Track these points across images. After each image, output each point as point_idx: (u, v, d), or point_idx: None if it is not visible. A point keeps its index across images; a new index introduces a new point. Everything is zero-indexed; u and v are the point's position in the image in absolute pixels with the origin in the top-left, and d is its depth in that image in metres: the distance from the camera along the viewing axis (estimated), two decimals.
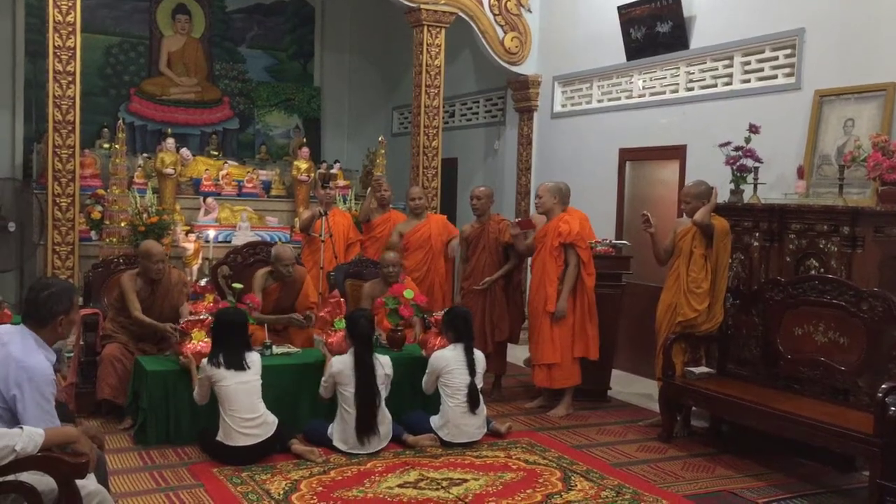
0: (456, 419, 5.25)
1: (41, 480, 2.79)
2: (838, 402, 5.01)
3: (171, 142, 9.28)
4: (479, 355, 5.50)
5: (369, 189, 7.85)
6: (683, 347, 5.66)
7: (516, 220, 6.47)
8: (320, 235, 6.70)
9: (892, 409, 4.19)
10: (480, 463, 4.97)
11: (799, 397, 5.12)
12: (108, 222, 8.04)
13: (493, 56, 8.85)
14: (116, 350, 5.64)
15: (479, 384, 5.38)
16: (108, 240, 7.91)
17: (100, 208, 8.39)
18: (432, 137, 8.59)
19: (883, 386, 4.31)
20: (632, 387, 6.93)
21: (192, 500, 4.27)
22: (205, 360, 4.93)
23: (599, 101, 8.27)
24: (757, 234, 5.72)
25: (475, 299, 6.61)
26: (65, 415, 3.96)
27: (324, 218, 6.78)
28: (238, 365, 4.85)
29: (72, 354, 6.03)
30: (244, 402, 4.80)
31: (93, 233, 8.34)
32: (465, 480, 4.65)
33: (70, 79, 7.23)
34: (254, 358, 5.00)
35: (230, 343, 4.93)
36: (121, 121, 8.76)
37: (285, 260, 6.16)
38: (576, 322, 6.11)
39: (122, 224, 7.97)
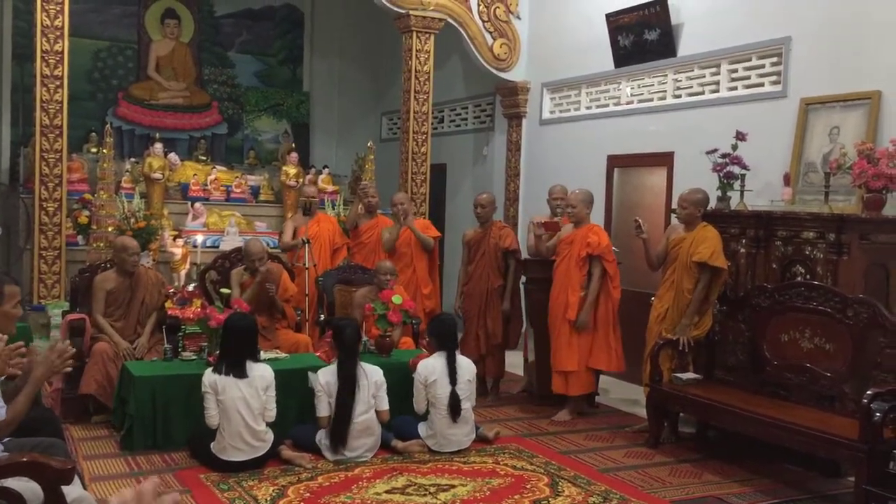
0: (443, 430, 5.24)
1: (27, 486, 2.77)
2: (824, 407, 5.05)
3: (159, 146, 9.24)
4: (466, 363, 5.48)
5: (356, 196, 7.86)
6: (671, 353, 5.68)
7: (541, 221, 6.49)
8: (304, 264, 6.70)
9: (878, 415, 4.22)
10: (468, 469, 4.97)
11: (785, 403, 5.15)
12: (95, 227, 8.00)
13: (481, 62, 8.87)
14: (108, 348, 5.64)
15: (467, 393, 5.35)
16: (95, 245, 7.88)
17: (87, 213, 8.34)
18: (421, 143, 8.60)
19: (868, 392, 4.34)
20: (619, 393, 6.95)
21: None
22: (207, 372, 4.89)
23: (588, 108, 8.30)
24: (743, 241, 5.75)
25: (472, 304, 6.78)
26: (51, 420, 3.95)
27: (307, 246, 6.77)
28: (239, 372, 4.82)
29: None
30: (243, 420, 4.75)
31: (80, 238, 8.29)
32: (453, 486, 4.65)
33: (57, 83, 7.21)
34: (262, 372, 4.91)
35: (236, 349, 4.88)
36: (108, 125, 8.74)
37: (253, 255, 6.21)
38: (598, 334, 6.16)
39: (110, 229, 7.94)
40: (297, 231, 7.22)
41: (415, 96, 8.50)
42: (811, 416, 4.83)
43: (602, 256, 6.11)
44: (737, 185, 5.93)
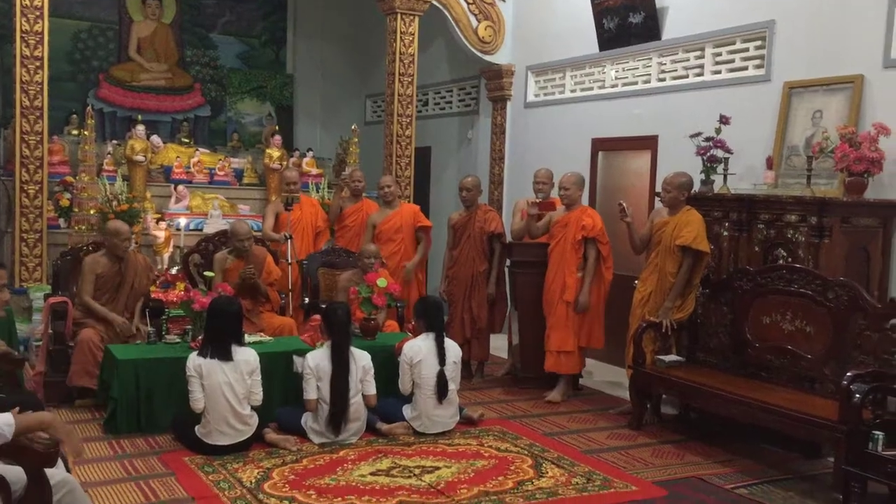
0: (428, 411, 5.26)
1: (9, 469, 2.76)
2: (804, 389, 5.10)
3: (141, 129, 9.16)
4: (452, 345, 5.51)
5: (336, 189, 7.83)
6: (654, 336, 5.71)
7: (536, 201, 6.49)
8: (287, 260, 6.68)
9: (857, 396, 4.27)
10: (453, 451, 5.00)
11: (766, 385, 5.20)
12: (76, 210, 7.93)
13: (466, 45, 8.84)
14: (94, 335, 5.61)
15: (452, 374, 5.38)
16: (76, 227, 7.81)
17: (68, 196, 8.27)
18: (406, 126, 8.57)
19: (848, 374, 4.39)
20: (602, 375, 6.99)
21: (163, 489, 4.25)
22: (192, 355, 4.88)
23: (572, 91, 8.30)
24: (726, 224, 5.79)
25: (457, 287, 6.79)
26: (34, 404, 3.93)
27: (289, 241, 6.76)
28: (224, 355, 4.80)
29: (40, 343, 5.98)
30: (228, 404, 4.75)
31: (61, 220, 8.22)
32: (438, 468, 4.67)
33: (38, 64, 7.12)
34: (247, 356, 4.90)
35: (221, 333, 4.86)
36: (90, 107, 8.65)
37: (241, 235, 6.21)
38: (590, 314, 6.27)
39: (92, 212, 7.87)
40: (279, 217, 7.19)
41: (399, 79, 8.46)
42: (792, 397, 4.88)
43: (597, 238, 6.18)
44: (720, 168, 5.96)
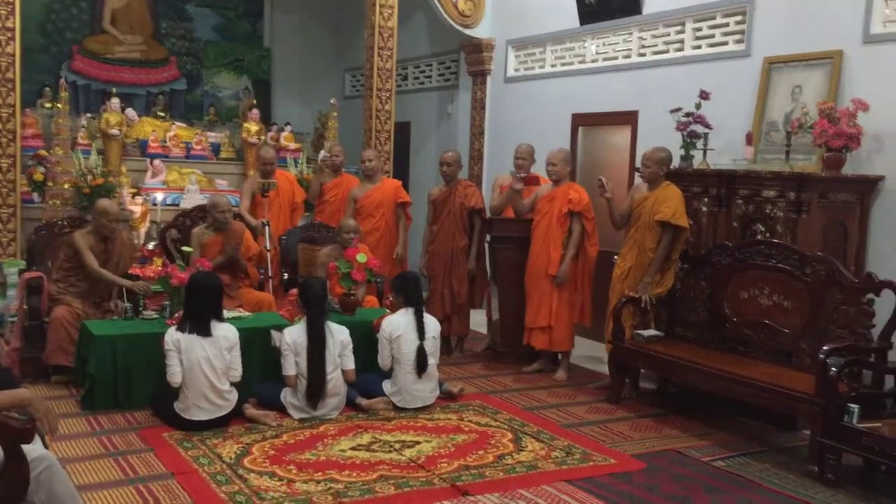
0: (408, 386, 5.27)
1: None
2: (781, 363, 5.16)
3: (115, 102, 9.03)
4: (431, 320, 5.51)
5: (316, 169, 7.77)
6: (633, 311, 5.74)
7: (521, 175, 6.47)
8: (266, 247, 6.62)
9: (833, 369, 4.32)
10: (433, 425, 5.01)
11: (744, 359, 5.25)
12: (51, 184, 7.83)
13: (446, 19, 8.76)
14: (67, 313, 5.55)
15: (432, 349, 5.38)
16: (51, 202, 7.71)
17: (42, 170, 8.15)
18: (385, 101, 8.50)
19: (824, 347, 4.44)
20: (582, 350, 7.02)
21: (142, 465, 4.22)
22: (170, 330, 4.83)
23: (553, 66, 8.26)
24: (706, 200, 5.81)
25: (437, 263, 6.78)
26: (10, 380, 3.88)
27: (266, 227, 6.70)
28: (203, 330, 4.77)
29: (15, 319, 5.91)
30: (206, 380, 4.72)
31: (35, 195, 8.11)
32: (418, 442, 4.68)
33: (9, 35, 6.98)
34: (225, 332, 4.87)
35: (201, 308, 4.83)
36: (63, 79, 8.51)
37: (221, 206, 6.18)
38: (577, 289, 6.27)
39: (66, 186, 7.77)
40: (255, 197, 7.11)
41: (378, 52, 8.37)
42: (769, 371, 4.93)
43: (583, 213, 6.17)
44: (700, 144, 5.97)
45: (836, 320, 4.89)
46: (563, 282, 6.17)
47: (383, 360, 5.34)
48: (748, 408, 5.18)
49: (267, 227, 6.67)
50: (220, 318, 4.95)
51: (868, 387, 4.72)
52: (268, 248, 6.63)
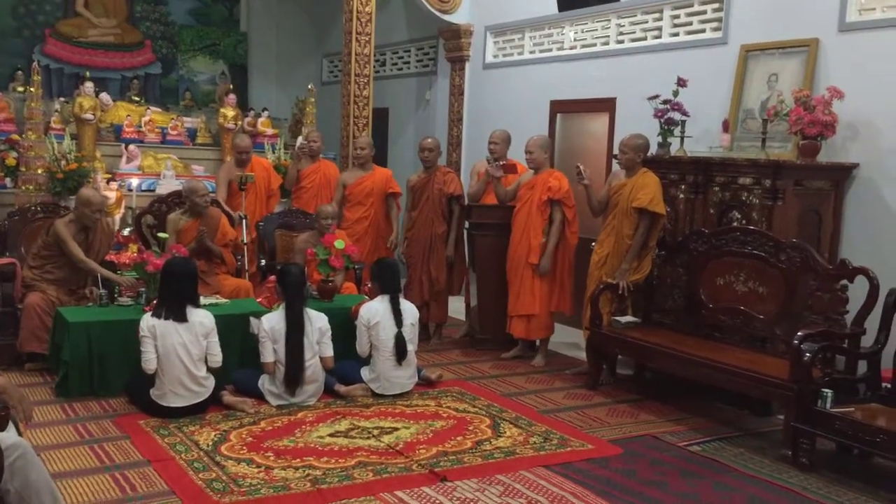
0: (386, 372, 5.26)
1: None
2: (756, 349, 5.21)
3: (89, 86, 8.90)
4: (409, 306, 5.50)
5: (294, 156, 7.73)
6: (610, 297, 5.77)
7: (500, 162, 6.46)
8: (242, 240, 6.58)
9: (807, 355, 4.37)
10: (411, 412, 5.01)
11: (719, 345, 5.30)
12: (23, 169, 7.72)
13: (424, 4, 8.71)
14: (40, 300, 5.49)
15: (410, 336, 5.38)
16: (24, 187, 7.61)
17: (15, 154, 8.03)
18: (363, 86, 8.45)
19: (798, 333, 4.48)
20: (560, 336, 7.04)
21: (117, 452, 4.19)
22: (146, 316, 4.79)
23: (531, 53, 8.25)
24: (683, 187, 5.84)
25: (416, 249, 6.77)
26: None
27: (244, 221, 6.66)
28: (179, 316, 4.73)
29: None
30: (182, 365, 4.68)
31: (8, 180, 8.00)
32: (396, 429, 4.68)
33: None
34: (201, 318, 4.83)
35: (176, 294, 4.79)
36: (35, 63, 8.38)
37: (201, 191, 6.16)
38: (557, 277, 6.27)
39: (39, 171, 7.67)
40: (231, 185, 7.05)
41: (356, 38, 8.31)
42: (744, 357, 4.98)
43: (562, 201, 6.16)
44: (677, 131, 5.99)
45: (811, 306, 4.94)
46: (547, 271, 6.18)
47: (361, 347, 5.33)
48: (724, 393, 5.23)
49: (244, 221, 6.63)
50: (196, 304, 4.92)
51: (842, 372, 4.78)
52: (244, 241, 6.59)
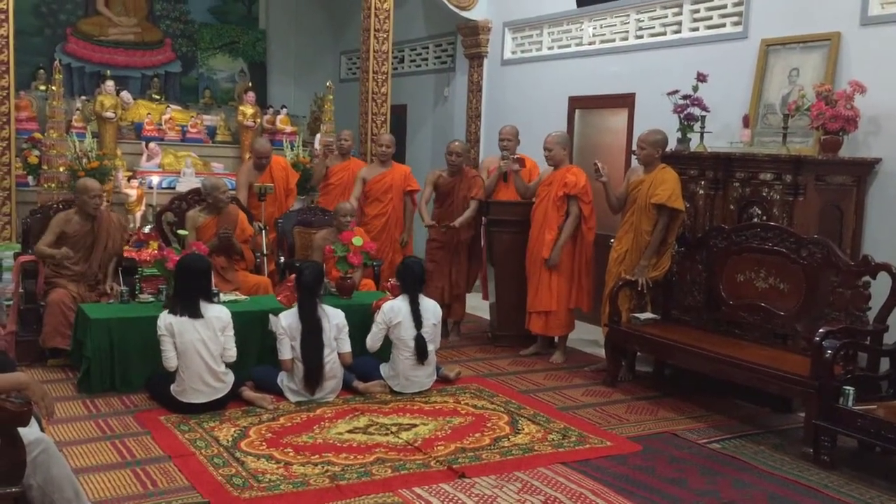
0: (406, 371, 5.27)
1: None
2: (777, 346, 5.17)
3: (110, 84, 8.98)
4: (431, 305, 5.48)
5: (320, 153, 7.74)
6: (629, 294, 5.74)
7: (517, 156, 6.44)
8: (260, 252, 6.61)
9: (829, 352, 4.33)
10: (429, 408, 5.02)
11: (739, 342, 5.26)
12: (45, 167, 7.79)
13: (442, 1, 8.71)
14: (64, 296, 5.55)
15: (431, 336, 5.35)
16: (46, 185, 7.68)
17: (37, 153, 8.12)
18: (381, 83, 8.47)
19: (820, 330, 4.44)
20: (579, 333, 7.02)
21: (139, 448, 4.23)
22: (162, 314, 4.82)
23: (549, 49, 8.22)
24: (702, 183, 5.80)
25: (442, 253, 6.69)
26: (6, 363, 3.88)
27: (263, 233, 6.67)
28: (194, 312, 4.76)
29: (11, 302, 5.90)
30: (202, 362, 4.71)
31: (30, 178, 8.08)
32: (415, 425, 4.69)
33: (3, 17, 6.93)
34: (217, 312, 4.86)
35: (190, 290, 4.82)
36: (57, 62, 8.45)
37: (223, 187, 6.20)
38: (574, 273, 6.24)
39: (61, 169, 7.73)
40: (250, 188, 7.06)
41: (374, 35, 8.33)
42: (764, 353, 4.94)
43: (579, 197, 6.13)
44: (697, 126, 5.95)
45: (832, 303, 4.90)
46: (555, 264, 6.14)
47: (373, 340, 5.32)
48: (744, 390, 5.19)
49: (264, 233, 6.65)
50: (210, 300, 4.95)
51: (863, 369, 4.73)
52: (264, 252, 6.61)
